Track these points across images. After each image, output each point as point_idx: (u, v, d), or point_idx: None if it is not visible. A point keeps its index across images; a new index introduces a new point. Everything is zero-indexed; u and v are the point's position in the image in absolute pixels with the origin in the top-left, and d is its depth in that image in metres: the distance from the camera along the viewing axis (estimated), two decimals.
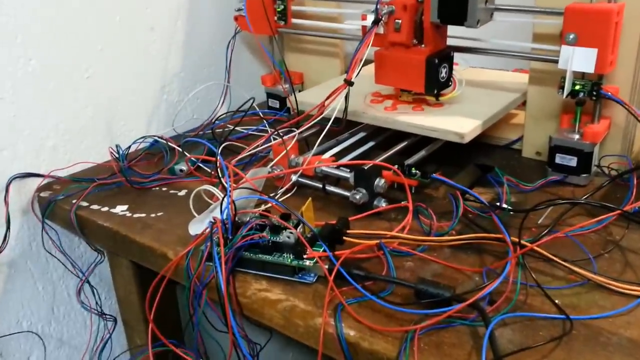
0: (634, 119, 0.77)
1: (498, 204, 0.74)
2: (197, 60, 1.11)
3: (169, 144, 0.93)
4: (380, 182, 0.74)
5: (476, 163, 0.89)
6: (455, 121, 0.80)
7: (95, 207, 0.81)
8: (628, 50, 0.74)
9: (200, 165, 0.88)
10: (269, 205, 0.73)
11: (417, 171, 0.76)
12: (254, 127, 1.03)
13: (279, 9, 1.04)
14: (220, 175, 0.69)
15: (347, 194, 0.76)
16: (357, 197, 0.74)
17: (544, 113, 0.85)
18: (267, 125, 0.89)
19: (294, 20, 1.05)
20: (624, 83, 0.76)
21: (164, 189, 0.86)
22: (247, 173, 0.74)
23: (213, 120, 1.09)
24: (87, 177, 0.89)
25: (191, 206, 0.72)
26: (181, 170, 0.89)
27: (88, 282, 0.90)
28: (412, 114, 0.85)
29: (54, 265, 0.93)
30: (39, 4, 0.85)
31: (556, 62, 0.75)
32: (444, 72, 0.82)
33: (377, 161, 0.78)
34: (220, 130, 1.02)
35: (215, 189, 0.67)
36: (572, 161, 0.78)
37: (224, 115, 1.14)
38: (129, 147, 0.93)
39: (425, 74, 0.80)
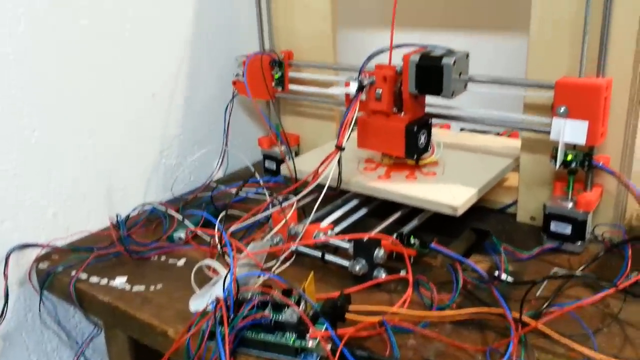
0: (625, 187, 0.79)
1: (497, 273, 0.75)
2: (196, 123, 1.13)
3: (168, 211, 0.93)
4: (379, 253, 0.75)
5: (472, 227, 0.90)
6: (448, 192, 0.81)
7: (94, 279, 0.81)
8: (617, 121, 0.76)
9: (199, 233, 0.88)
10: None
11: (416, 240, 0.76)
12: (252, 191, 1.04)
13: (276, 76, 1.07)
14: (222, 251, 0.70)
15: (346, 263, 0.77)
16: (357, 268, 0.75)
17: (537, 180, 0.87)
18: (267, 194, 0.90)
19: (291, 86, 1.08)
20: (615, 152, 0.78)
21: (162, 258, 0.86)
22: (247, 246, 0.75)
23: (210, 183, 1.10)
24: (86, 245, 0.89)
25: (192, 282, 0.72)
26: (180, 238, 0.89)
27: (83, 354, 0.89)
28: (405, 183, 0.86)
29: (49, 337, 0.92)
30: (48, 77, 0.87)
31: (548, 132, 0.77)
32: (422, 139, 0.85)
33: (376, 232, 0.79)
34: (218, 193, 1.03)
35: (217, 264, 0.68)
36: (567, 229, 0.79)
37: (222, 177, 1.15)
38: (128, 215, 0.94)
39: (405, 141, 0.83)
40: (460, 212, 0.77)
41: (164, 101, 1.06)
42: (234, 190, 1.01)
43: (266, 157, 1.16)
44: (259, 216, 0.85)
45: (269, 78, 1.07)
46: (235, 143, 1.18)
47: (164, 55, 1.04)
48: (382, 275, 0.75)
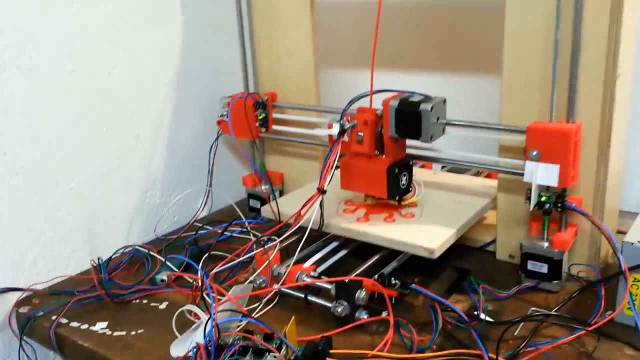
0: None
1: (476, 313, 0.76)
2: (180, 163, 1.14)
3: (151, 252, 0.94)
4: (361, 295, 0.76)
5: (453, 266, 0.92)
6: (425, 234, 0.82)
7: (74, 324, 0.80)
8: (588, 164, 0.79)
9: (182, 275, 0.89)
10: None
11: (397, 281, 0.78)
12: (237, 230, 1.05)
13: (260, 117, 1.09)
14: (203, 295, 0.70)
15: (328, 304, 0.78)
16: (339, 309, 0.76)
17: (513, 219, 0.89)
18: (251, 235, 0.91)
19: (275, 127, 1.10)
20: (587, 194, 0.81)
21: (144, 301, 0.86)
22: (229, 289, 0.75)
23: (194, 222, 1.10)
24: (66, 289, 0.89)
25: (174, 327, 0.72)
26: (162, 281, 0.90)
27: None
28: (383, 225, 0.87)
29: None
30: (30, 119, 0.88)
31: (522, 174, 0.79)
32: (404, 180, 0.87)
33: (357, 274, 0.80)
34: (202, 234, 1.04)
35: (198, 310, 0.68)
36: (543, 268, 0.81)
37: (207, 216, 1.16)
38: (110, 257, 0.94)
39: (386, 182, 0.85)
40: (437, 254, 0.79)
41: (148, 142, 1.07)
42: (218, 230, 1.02)
43: (250, 195, 1.18)
44: (242, 258, 0.86)
45: (253, 119, 1.09)
46: (219, 182, 1.19)
47: (149, 97, 1.06)
48: (364, 317, 0.76)
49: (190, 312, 0.73)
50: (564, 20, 0.75)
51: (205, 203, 1.15)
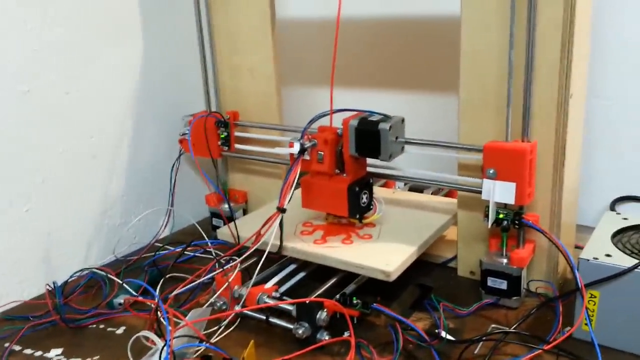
0: None
1: (437, 331, 0.76)
2: (141, 182, 1.12)
3: (109, 275, 0.91)
4: (322, 316, 0.75)
5: (416, 283, 0.92)
6: (382, 256, 0.81)
7: (28, 351, 0.78)
8: (544, 181, 0.81)
9: (137, 300, 0.86)
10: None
11: (358, 301, 0.77)
12: (200, 250, 1.03)
13: (222, 135, 1.08)
14: (160, 320, 0.69)
15: (290, 326, 0.77)
16: (300, 331, 0.75)
17: (473, 236, 0.90)
18: (213, 254, 0.89)
19: (238, 145, 1.09)
20: (543, 210, 0.82)
21: (101, 326, 0.84)
22: (187, 313, 0.74)
23: (154, 243, 1.08)
24: (20, 314, 0.86)
25: (129, 355, 0.70)
26: (120, 304, 0.87)
27: None
28: (340, 248, 0.86)
29: None
30: None
31: (480, 192, 0.80)
32: (364, 198, 0.87)
33: (319, 294, 0.79)
34: (163, 255, 1.02)
35: (154, 336, 0.66)
36: (503, 284, 0.82)
37: (168, 236, 1.14)
38: (66, 281, 0.91)
39: (347, 201, 0.85)
40: (393, 277, 0.78)
41: (106, 162, 1.05)
42: (180, 250, 1.00)
43: (214, 214, 1.16)
44: (202, 279, 0.84)
45: (215, 138, 1.08)
46: (182, 201, 1.17)
47: (107, 117, 1.04)
48: (325, 338, 0.75)
49: (147, 338, 0.71)
50: (517, 42, 0.77)
51: (166, 223, 1.13)
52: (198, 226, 1.08)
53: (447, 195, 1.15)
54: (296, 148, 0.84)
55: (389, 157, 0.82)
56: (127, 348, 0.71)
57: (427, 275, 0.94)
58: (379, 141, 0.81)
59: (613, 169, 1.04)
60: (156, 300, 0.70)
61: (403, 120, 0.85)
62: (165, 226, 1.13)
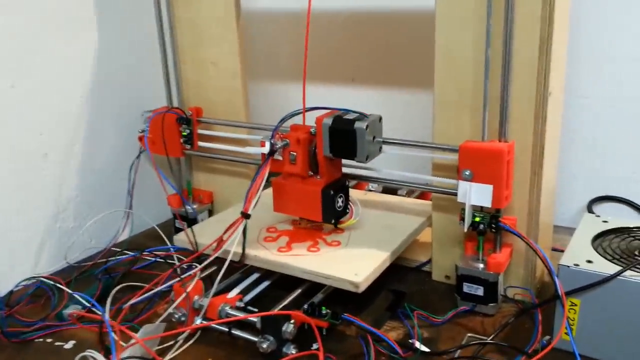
0: None
1: (411, 341, 0.72)
2: (97, 183, 1.05)
3: (57, 285, 0.84)
4: (288, 328, 0.70)
5: (389, 289, 0.88)
6: (351, 265, 0.76)
7: None
8: (521, 183, 0.77)
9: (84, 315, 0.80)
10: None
11: (328, 311, 0.72)
12: (162, 255, 0.97)
13: (184, 133, 1.02)
14: (112, 336, 0.62)
15: (254, 338, 0.72)
16: (264, 345, 0.70)
17: (449, 239, 0.86)
18: (175, 261, 0.83)
19: (201, 143, 1.03)
20: (521, 213, 0.78)
21: (48, 340, 0.77)
22: (140, 328, 0.68)
23: (111, 248, 1.02)
24: None
25: None
26: (70, 316, 0.80)
27: None
28: (306, 256, 0.80)
29: None
30: None
31: (456, 194, 0.76)
32: (340, 202, 0.82)
33: (285, 306, 0.74)
34: (120, 261, 0.95)
35: (99, 356, 0.60)
36: (479, 290, 0.78)
37: (128, 239, 1.07)
38: (11, 291, 0.84)
39: (321, 205, 0.80)
40: (362, 288, 0.73)
41: (59, 160, 0.98)
42: (141, 256, 0.94)
43: (178, 216, 1.10)
44: (159, 288, 0.78)
45: (176, 135, 1.01)
46: (143, 202, 1.10)
47: (60, 112, 0.97)
48: (292, 352, 0.70)
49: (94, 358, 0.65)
50: (494, 38, 0.73)
51: (124, 226, 1.06)
52: (159, 229, 1.01)
53: (420, 196, 1.12)
54: (267, 148, 0.79)
55: (365, 158, 0.77)
56: None
57: (400, 280, 0.90)
58: (355, 141, 0.76)
59: (589, 168, 1.01)
60: (102, 315, 0.64)
61: (380, 119, 0.80)
62: (124, 229, 1.06)
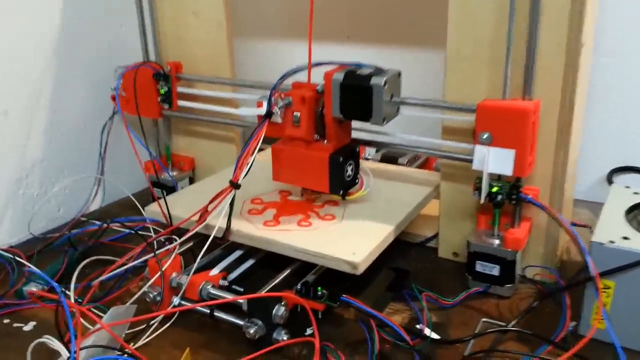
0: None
1: (419, 327, 0.63)
2: (65, 145, 0.94)
3: (17, 258, 0.74)
4: (279, 311, 0.61)
5: (390, 266, 0.79)
6: (348, 243, 0.66)
7: None
8: (546, 148, 0.68)
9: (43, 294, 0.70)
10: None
11: (324, 292, 0.63)
12: (137, 227, 0.87)
13: (162, 91, 0.90)
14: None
15: (240, 322, 0.62)
16: (252, 330, 0.61)
17: (459, 212, 0.77)
18: (152, 233, 0.73)
19: (182, 103, 0.92)
20: (543, 183, 0.69)
21: (6, 320, 0.68)
22: (107, 312, 0.58)
23: (80, 217, 0.91)
24: None
25: None
26: (33, 294, 0.71)
27: None
28: (296, 232, 0.70)
29: None
30: None
31: (470, 161, 0.67)
32: (349, 170, 0.72)
33: (274, 287, 0.65)
34: (89, 230, 0.85)
35: (59, 344, 0.51)
36: (494, 270, 0.70)
37: (100, 209, 0.97)
38: None
39: (329, 173, 0.70)
40: (361, 269, 0.64)
41: (20, 120, 0.86)
42: (114, 226, 0.83)
43: (154, 184, 0.99)
44: (129, 265, 0.68)
45: (153, 93, 0.90)
46: (117, 168, 1.00)
47: (23, 68, 0.85)
48: (283, 338, 0.61)
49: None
50: None
51: (95, 194, 0.96)
52: (134, 199, 0.91)
53: (422, 165, 1.03)
54: (264, 108, 0.69)
55: (382, 120, 0.66)
56: (28, 355, 0.55)
57: (402, 257, 0.81)
58: (371, 100, 0.65)
59: (610, 135, 0.92)
60: (59, 295, 0.54)
61: (399, 75, 0.69)
62: (94, 197, 0.96)
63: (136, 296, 0.66)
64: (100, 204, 0.97)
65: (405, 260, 0.80)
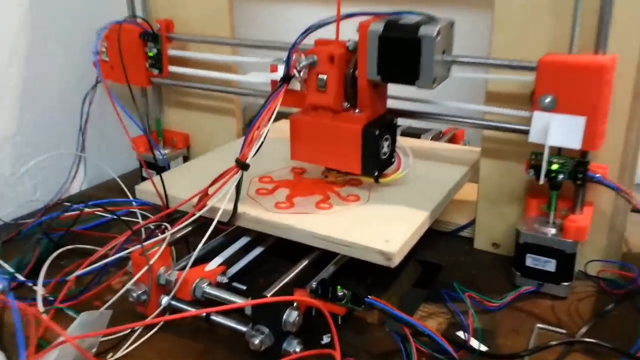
0: (623, 206, 0.58)
1: (464, 337, 0.51)
2: (42, 120, 0.82)
3: None
4: (290, 317, 0.49)
5: (418, 258, 0.67)
6: (379, 228, 0.55)
7: None
8: (618, 116, 0.55)
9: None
10: None
11: (345, 291, 0.51)
12: (123, 211, 0.75)
13: (150, 53, 0.78)
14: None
15: (242, 328, 0.51)
16: (257, 341, 0.49)
17: (503, 195, 0.65)
18: (140, 219, 0.61)
19: (174, 69, 0.79)
20: (612, 159, 0.57)
21: None
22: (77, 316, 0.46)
23: (58, 200, 0.79)
24: None
25: None
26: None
27: None
28: (315, 215, 0.58)
29: None
30: None
31: (520, 132, 0.55)
32: (385, 146, 0.59)
33: (284, 285, 0.53)
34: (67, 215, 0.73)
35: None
36: (549, 265, 0.58)
37: (84, 192, 0.85)
38: None
39: (362, 150, 0.57)
40: (396, 261, 0.52)
41: None
42: (98, 211, 0.71)
43: (146, 164, 0.87)
44: (109, 260, 0.57)
45: (140, 57, 0.78)
46: (102, 146, 0.89)
47: None
48: (296, 349, 0.49)
49: None
50: None
51: (75, 173, 0.83)
52: (120, 180, 0.79)
53: (450, 141, 0.91)
54: (280, 71, 0.56)
55: (432, 82, 0.53)
56: None
57: (430, 248, 0.69)
58: (419, 56, 0.52)
59: None
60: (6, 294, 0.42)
61: (452, 25, 0.55)
62: (74, 178, 0.83)
63: (117, 296, 0.55)
64: (81, 186, 0.84)
65: (435, 253, 0.68)
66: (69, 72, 0.84)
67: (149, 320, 0.53)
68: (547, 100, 0.52)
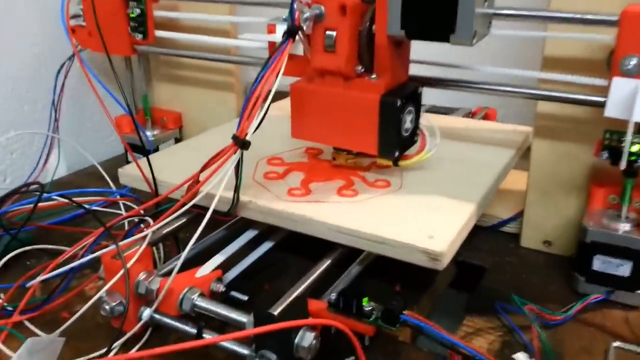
0: None
1: (521, 356, 0.41)
2: (9, 95, 0.70)
3: None
4: (304, 340, 0.38)
5: (456, 259, 0.56)
6: (419, 221, 0.44)
7: None
8: None
9: None
10: None
11: (374, 304, 0.41)
12: (101, 202, 0.64)
13: (132, 14, 0.66)
14: None
15: (243, 351, 0.40)
16: None
17: (558, 183, 0.54)
18: (122, 210, 0.50)
19: (162, 34, 0.68)
20: None
21: None
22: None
23: (29, 188, 0.68)
24: None
25: None
26: None
27: None
28: (336, 204, 0.47)
29: None
30: None
31: (592, 104, 0.44)
32: (408, 121, 0.48)
33: (297, 296, 0.42)
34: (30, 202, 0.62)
35: None
36: (623, 268, 0.47)
37: (61, 179, 0.74)
38: None
39: (379, 125, 0.46)
40: (445, 262, 0.41)
41: None
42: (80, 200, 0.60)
43: (132, 147, 0.76)
44: (76, 263, 0.46)
45: (122, 20, 0.66)
46: (83, 126, 0.78)
47: None
48: None
49: None
50: None
51: (47, 157, 0.72)
52: (99, 167, 0.68)
53: (484, 119, 0.79)
54: (281, 31, 0.46)
55: (472, 37, 0.41)
56: None
57: (467, 246, 0.58)
58: (456, 4, 0.41)
59: None
60: None
61: None
62: (45, 163, 0.72)
63: (87, 306, 0.43)
64: (54, 172, 0.73)
65: (473, 252, 0.58)
66: (45, 42, 0.73)
67: (123, 339, 0.42)
68: (633, 63, 0.41)
